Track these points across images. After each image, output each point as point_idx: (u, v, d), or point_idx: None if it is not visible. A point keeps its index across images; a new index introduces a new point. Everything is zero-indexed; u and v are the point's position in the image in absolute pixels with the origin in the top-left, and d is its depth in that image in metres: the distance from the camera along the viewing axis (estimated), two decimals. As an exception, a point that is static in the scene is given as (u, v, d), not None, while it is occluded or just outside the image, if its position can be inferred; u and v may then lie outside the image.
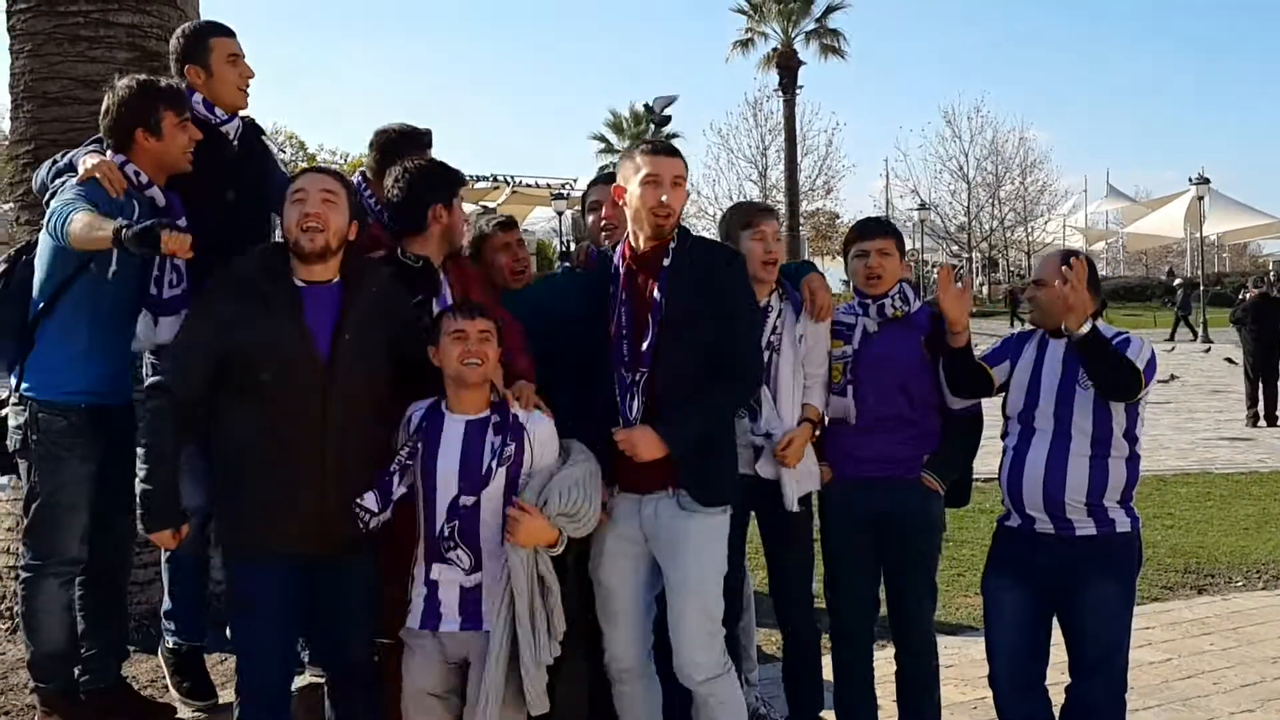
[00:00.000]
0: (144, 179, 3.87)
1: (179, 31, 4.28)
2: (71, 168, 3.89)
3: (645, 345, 3.79)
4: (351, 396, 3.59)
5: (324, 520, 3.54)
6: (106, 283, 3.81)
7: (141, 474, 3.50)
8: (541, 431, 3.75)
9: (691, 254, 3.85)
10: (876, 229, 4.60)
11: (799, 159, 45.20)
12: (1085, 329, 3.85)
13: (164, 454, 3.50)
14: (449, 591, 3.65)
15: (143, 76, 4.02)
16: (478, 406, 3.72)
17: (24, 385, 3.87)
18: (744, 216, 4.50)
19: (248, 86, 4.26)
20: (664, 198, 3.78)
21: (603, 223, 4.53)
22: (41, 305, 3.87)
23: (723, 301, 3.81)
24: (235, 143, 4.25)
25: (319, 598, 3.64)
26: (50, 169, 4.04)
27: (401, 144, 4.44)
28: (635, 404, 3.79)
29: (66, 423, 3.82)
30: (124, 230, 3.39)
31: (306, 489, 3.52)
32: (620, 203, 3.95)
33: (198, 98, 4.13)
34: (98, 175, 3.75)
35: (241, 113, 4.33)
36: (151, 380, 3.52)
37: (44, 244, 3.88)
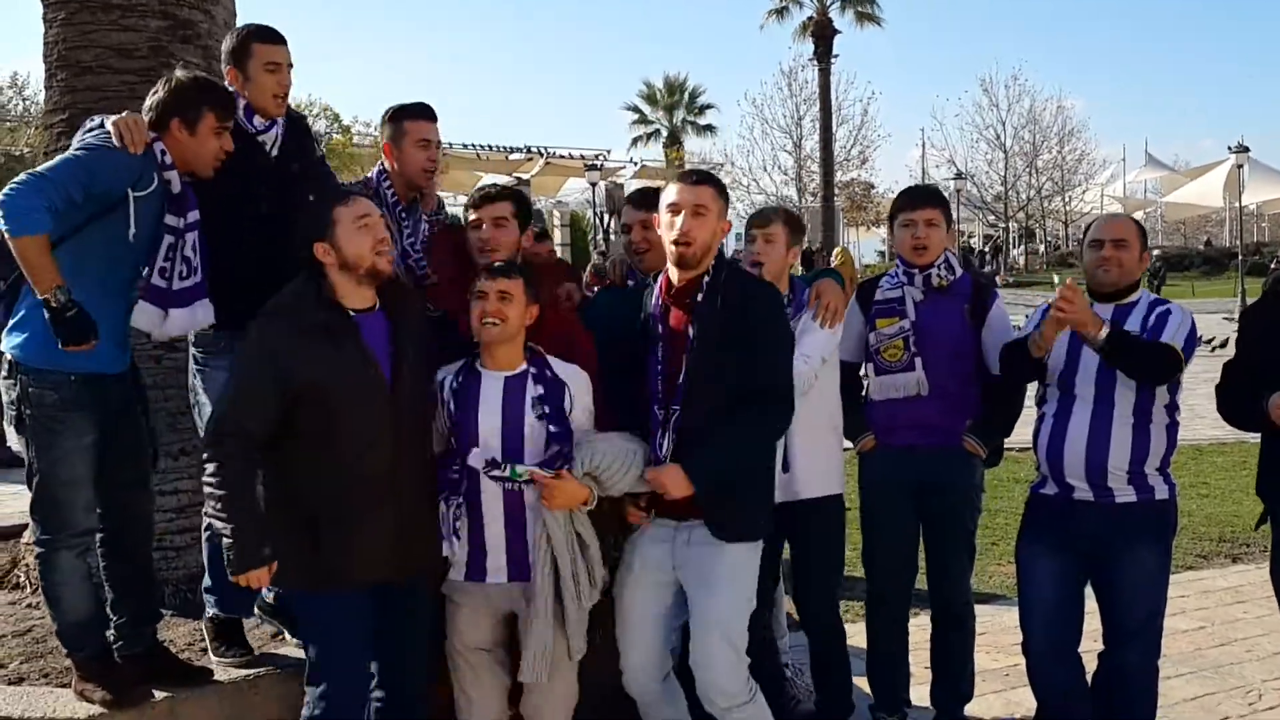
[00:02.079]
0: (168, 160, 3.82)
1: (231, 31, 4.24)
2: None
3: (678, 382, 3.74)
4: (415, 422, 3.63)
5: (399, 546, 3.56)
6: (100, 241, 3.71)
7: (223, 521, 3.40)
8: (579, 383, 3.79)
9: (726, 288, 3.76)
10: (924, 198, 4.51)
11: (834, 129, 44.87)
12: (1103, 334, 3.78)
13: (243, 501, 3.41)
14: (496, 544, 3.70)
15: (203, 74, 3.98)
16: (513, 362, 3.76)
17: (11, 348, 3.75)
18: (746, 228, 4.49)
19: (283, 95, 4.19)
20: (678, 226, 3.72)
21: (634, 246, 4.46)
22: None
23: (754, 335, 3.72)
24: (274, 152, 4.19)
25: (384, 621, 3.62)
26: (83, 134, 4.00)
27: (410, 114, 4.45)
28: (666, 441, 3.74)
29: (58, 396, 3.72)
30: (61, 302, 3.46)
31: (384, 517, 3.51)
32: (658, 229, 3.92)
33: (241, 103, 4.09)
34: (121, 127, 3.69)
35: (294, 115, 4.32)
36: (213, 429, 3.44)
37: None
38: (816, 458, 4.31)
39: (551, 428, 3.69)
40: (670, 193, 3.80)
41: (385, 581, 3.58)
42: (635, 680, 3.93)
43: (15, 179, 3.54)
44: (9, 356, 3.76)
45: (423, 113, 4.44)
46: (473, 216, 4.10)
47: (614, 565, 3.93)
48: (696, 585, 3.79)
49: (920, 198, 4.53)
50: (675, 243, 3.74)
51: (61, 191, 3.52)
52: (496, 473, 3.64)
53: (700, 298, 3.76)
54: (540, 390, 3.72)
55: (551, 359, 3.81)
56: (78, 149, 3.71)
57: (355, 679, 3.59)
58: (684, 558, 3.81)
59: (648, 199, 4.31)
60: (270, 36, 4.17)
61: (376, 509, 3.51)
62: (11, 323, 3.78)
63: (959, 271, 4.40)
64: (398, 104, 4.48)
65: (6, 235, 3.47)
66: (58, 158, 3.69)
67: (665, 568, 3.85)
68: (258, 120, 4.14)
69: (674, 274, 3.82)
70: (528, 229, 4.21)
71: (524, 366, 3.77)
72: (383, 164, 4.48)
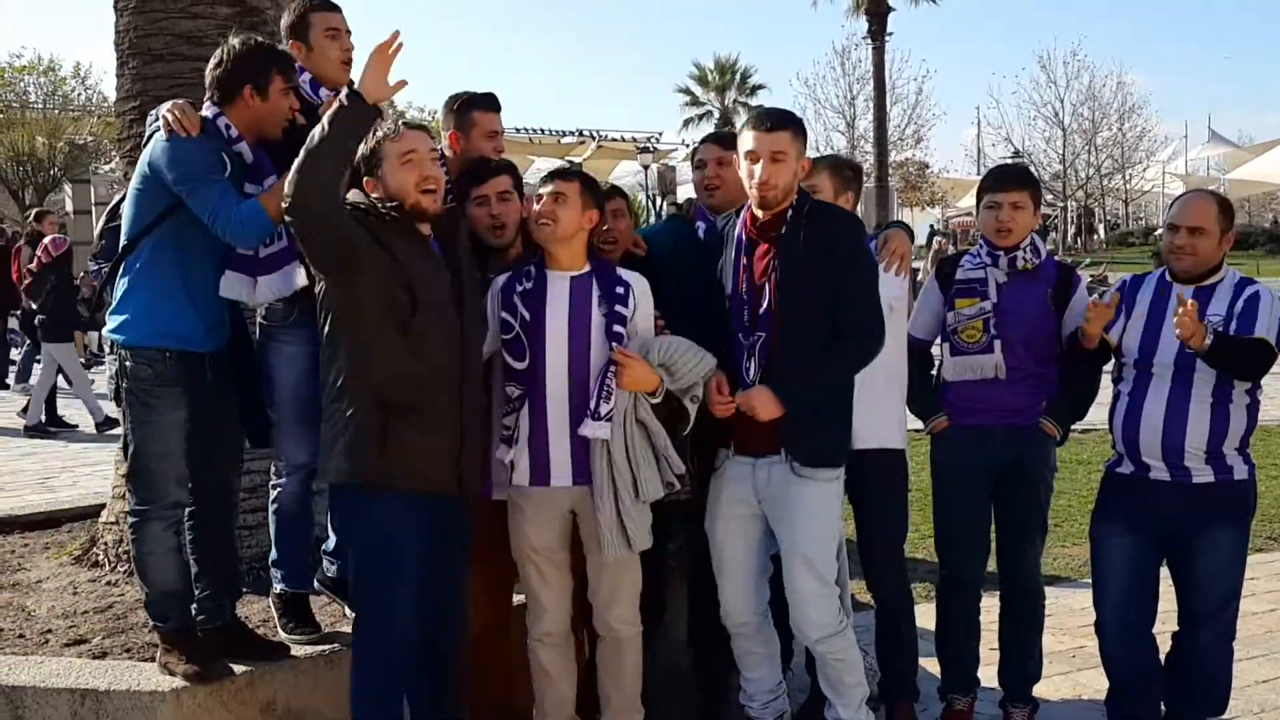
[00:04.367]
0: (234, 133, 3.91)
1: (289, 8, 4.35)
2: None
3: (763, 310, 3.82)
4: (474, 338, 3.74)
5: (459, 457, 3.66)
6: (194, 224, 3.82)
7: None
8: (641, 287, 3.90)
9: (809, 220, 3.84)
10: (1012, 179, 4.39)
11: (888, 108, 44.37)
12: (1208, 343, 3.71)
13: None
14: (559, 448, 3.80)
15: (260, 37, 4.09)
16: (576, 264, 3.86)
17: (112, 329, 3.91)
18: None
19: (349, 61, 4.28)
20: (758, 174, 3.79)
21: (706, 182, 4.49)
22: (125, 244, 3.89)
23: (839, 266, 3.79)
24: None
25: (434, 537, 3.68)
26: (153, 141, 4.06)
27: (480, 105, 4.48)
28: (753, 366, 3.84)
29: (152, 371, 3.85)
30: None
31: (450, 426, 3.63)
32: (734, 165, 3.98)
33: (305, 76, 4.17)
34: (169, 117, 3.78)
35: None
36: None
37: (133, 184, 3.93)
38: (868, 408, 4.15)
39: (615, 327, 3.78)
40: (746, 140, 3.84)
41: (443, 491, 3.65)
42: (731, 614, 4.03)
43: (215, 214, 3.70)
44: (110, 331, 3.92)
45: (492, 104, 4.51)
46: (477, 192, 4.11)
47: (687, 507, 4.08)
48: (780, 520, 3.89)
49: (1007, 179, 4.41)
50: (756, 189, 3.82)
51: (224, 183, 3.76)
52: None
53: (784, 230, 3.84)
54: (604, 289, 3.81)
55: (616, 266, 3.93)
56: (161, 156, 3.79)
57: (406, 592, 3.60)
58: (766, 494, 3.90)
59: (724, 139, 4.39)
60: (325, 4, 4.30)
61: (443, 404, 3.60)
62: (112, 305, 3.93)
63: (1044, 254, 4.33)
64: (466, 93, 4.52)
65: (280, 218, 3.65)
66: (190, 179, 3.76)
67: (750, 501, 3.94)
68: (323, 92, 4.21)
69: (757, 211, 3.90)
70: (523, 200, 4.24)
71: (587, 268, 3.86)
72: (442, 149, 4.51)
